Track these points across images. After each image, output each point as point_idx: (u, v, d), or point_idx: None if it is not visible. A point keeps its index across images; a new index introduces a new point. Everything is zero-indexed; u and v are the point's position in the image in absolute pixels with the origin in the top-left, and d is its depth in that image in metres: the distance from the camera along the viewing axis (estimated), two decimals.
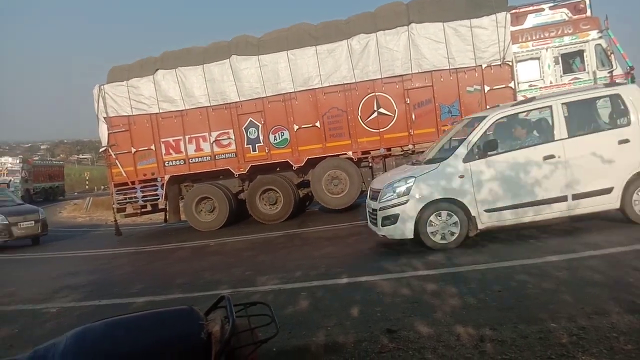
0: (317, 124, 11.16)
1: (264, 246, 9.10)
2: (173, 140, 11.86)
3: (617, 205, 6.53)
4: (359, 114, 11.02)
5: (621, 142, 6.46)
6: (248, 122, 11.54)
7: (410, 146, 10.95)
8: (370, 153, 11.22)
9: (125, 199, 12.34)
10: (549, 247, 5.86)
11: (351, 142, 11.11)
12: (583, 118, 7.01)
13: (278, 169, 11.99)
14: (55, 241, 13.66)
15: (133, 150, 11.91)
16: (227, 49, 11.51)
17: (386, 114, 10.94)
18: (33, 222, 13.27)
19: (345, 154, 11.22)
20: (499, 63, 10.40)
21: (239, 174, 11.79)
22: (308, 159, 11.29)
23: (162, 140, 11.87)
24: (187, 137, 11.78)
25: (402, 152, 11.17)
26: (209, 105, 11.58)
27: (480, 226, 6.52)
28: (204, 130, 11.72)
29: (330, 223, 10.25)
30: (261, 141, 11.54)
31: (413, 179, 6.55)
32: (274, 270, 6.59)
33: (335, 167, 11.27)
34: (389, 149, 11.18)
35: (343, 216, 10.83)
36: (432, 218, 6.46)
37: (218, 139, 11.71)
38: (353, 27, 10.94)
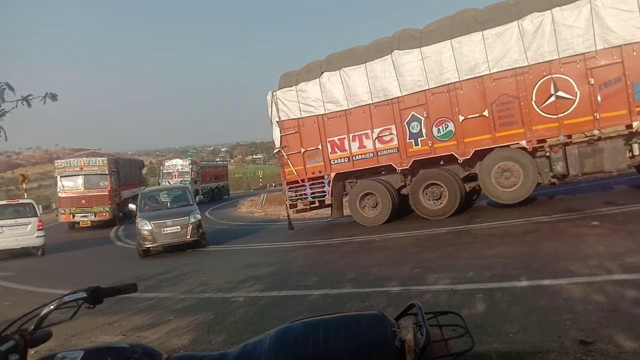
0: (485, 113, 10.49)
1: (430, 243, 8.90)
2: (338, 139, 12.29)
3: None
4: (534, 99, 10.05)
5: None
6: (410, 116, 11.39)
7: (596, 131, 9.66)
8: (546, 141, 10.20)
9: (296, 195, 13.22)
10: None
11: (524, 131, 10.20)
12: None
13: (442, 163, 11.63)
14: (241, 235, 15.24)
15: (302, 150, 12.66)
16: (388, 44, 11.51)
17: (566, 98, 9.79)
18: (179, 227, 12.30)
19: (518, 143, 10.37)
20: None
21: (401, 169, 11.73)
22: (475, 150, 10.71)
23: (328, 139, 12.39)
24: (350, 135, 12.11)
25: (586, 138, 9.94)
26: (371, 102, 11.73)
27: None
28: (366, 127, 11.92)
29: (502, 219, 9.56)
30: (424, 135, 11.29)
31: None
32: (444, 269, 6.39)
33: (507, 158, 10.48)
34: (569, 136, 10.04)
35: (516, 211, 10.00)
36: None
37: (380, 135, 11.80)
38: (523, 7, 10.02)
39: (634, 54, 9.18)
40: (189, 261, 11.17)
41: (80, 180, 22.55)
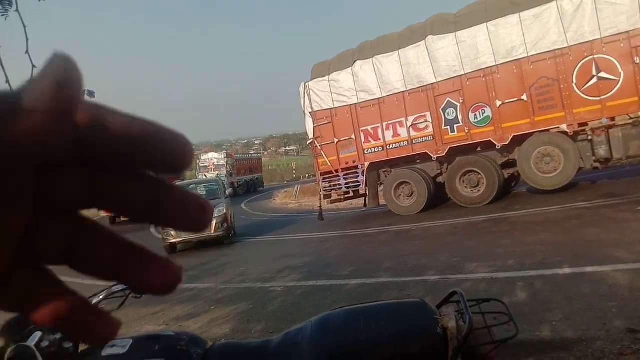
0: (524, 97, 10.20)
1: (468, 231, 8.77)
2: (371, 129, 12.22)
3: None
4: (574, 82, 9.71)
5: None
6: (445, 102, 11.21)
7: None
8: (588, 125, 9.85)
9: (330, 186, 13.25)
10: None
11: (565, 114, 9.88)
12: None
13: (479, 149, 11.41)
14: (277, 227, 15.41)
15: (335, 140, 12.64)
16: (422, 30, 11.33)
17: (609, 78, 9.41)
18: None
19: (558, 127, 10.06)
20: None
21: (437, 157, 11.57)
22: (514, 136, 10.44)
23: (362, 129, 12.33)
24: (384, 124, 12.01)
25: (630, 120, 9.56)
26: (405, 90, 11.59)
27: None
28: (400, 115, 11.80)
29: (542, 206, 9.31)
30: (460, 121, 11.09)
31: None
32: (483, 257, 6.28)
33: (547, 142, 10.18)
34: (613, 118, 9.67)
35: (557, 197, 9.72)
36: None
37: (415, 123, 11.66)
38: None
39: None
40: (227, 252, 11.38)
41: None
